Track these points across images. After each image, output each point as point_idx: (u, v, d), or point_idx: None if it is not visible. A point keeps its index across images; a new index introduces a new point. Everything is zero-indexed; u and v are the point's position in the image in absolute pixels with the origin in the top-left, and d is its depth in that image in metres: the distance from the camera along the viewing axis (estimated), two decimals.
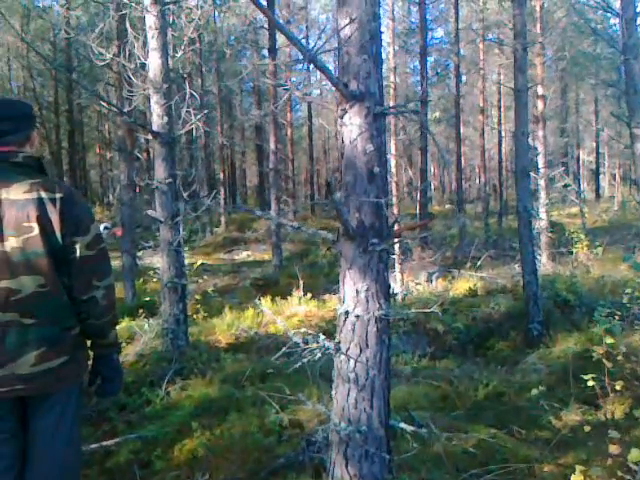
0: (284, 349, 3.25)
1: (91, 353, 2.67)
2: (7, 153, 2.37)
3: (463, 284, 10.31)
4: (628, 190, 34.99)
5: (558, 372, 5.78)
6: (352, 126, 3.14)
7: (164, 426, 4.62)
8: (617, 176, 34.08)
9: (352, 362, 3.25)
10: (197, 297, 8.43)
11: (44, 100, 27.62)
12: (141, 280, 10.24)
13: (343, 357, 3.28)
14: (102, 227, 14.99)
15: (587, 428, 4.11)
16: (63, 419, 2.47)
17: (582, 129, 34.22)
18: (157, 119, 6.15)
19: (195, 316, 8.01)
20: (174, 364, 5.89)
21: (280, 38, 14.47)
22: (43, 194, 2.30)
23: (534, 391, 5.37)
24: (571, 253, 12.27)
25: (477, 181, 42.10)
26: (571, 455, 4.24)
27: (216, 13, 22.39)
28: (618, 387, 4.52)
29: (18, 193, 2.28)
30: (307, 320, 8.39)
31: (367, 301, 3.20)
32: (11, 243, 2.27)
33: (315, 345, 3.33)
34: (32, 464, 2.45)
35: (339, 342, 3.30)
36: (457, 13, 18.91)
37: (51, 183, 2.38)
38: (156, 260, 6.55)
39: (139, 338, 6.73)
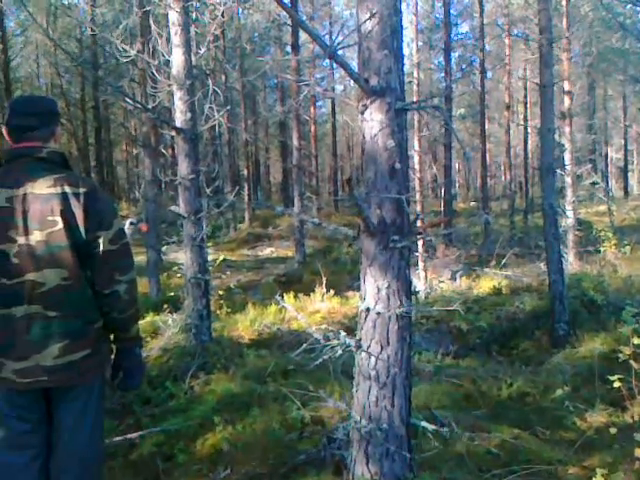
0: (305, 345, 3.24)
1: (114, 347, 2.70)
2: (32, 148, 2.42)
3: (487, 282, 10.20)
4: None
5: (584, 373, 5.68)
6: (373, 122, 3.12)
7: (187, 420, 4.65)
8: None
9: (373, 359, 3.23)
10: (220, 293, 8.47)
11: (71, 97, 28.01)
12: (165, 275, 10.32)
13: (364, 354, 3.27)
14: (128, 223, 15.12)
15: (613, 430, 4.03)
16: (85, 412, 2.50)
17: (610, 126, 33.64)
18: (180, 115, 6.18)
19: (218, 311, 8.06)
20: (197, 359, 5.93)
21: (303, 34, 14.47)
22: (67, 189, 2.34)
23: (559, 391, 5.30)
24: (599, 252, 12.07)
25: (502, 178, 41.70)
26: (596, 457, 4.17)
27: (240, 10, 22.46)
28: None
29: (42, 187, 2.32)
30: (330, 317, 8.38)
31: (388, 298, 3.18)
32: (36, 237, 2.31)
33: (336, 342, 3.32)
34: (55, 455, 2.50)
35: (360, 339, 3.28)
36: (482, 8, 18.72)
37: (75, 178, 2.42)
38: (180, 256, 6.60)
39: (163, 333, 6.78)
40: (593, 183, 17.83)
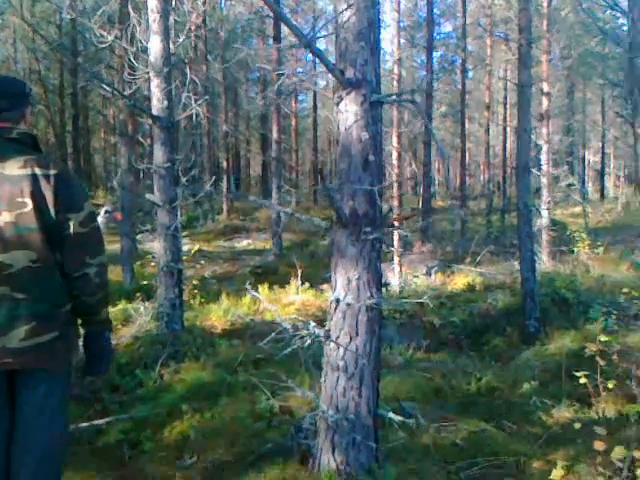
0: (273, 335, 3.25)
1: (81, 332, 2.68)
2: (3, 129, 2.39)
3: (462, 279, 10.29)
4: (633, 191, 34.86)
5: (552, 369, 5.77)
6: (348, 113, 3.13)
7: (155, 408, 4.65)
8: (622, 177, 33.94)
9: (342, 350, 3.25)
10: (195, 282, 8.43)
11: (49, 83, 27.55)
12: (139, 264, 10.22)
13: (333, 345, 3.28)
14: (103, 211, 14.97)
15: (577, 425, 4.10)
16: (50, 396, 2.47)
17: (588, 129, 34.02)
18: (157, 103, 6.14)
19: (192, 301, 8.02)
20: (168, 347, 5.91)
21: (285, 27, 14.37)
22: (37, 170, 2.31)
23: (526, 387, 5.37)
24: (572, 252, 12.23)
25: (481, 178, 41.94)
26: (560, 452, 4.23)
27: (222, 1, 22.31)
28: (610, 385, 4.51)
29: (12, 168, 2.30)
30: (304, 309, 8.39)
31: (358, 289, 3.19)
32: (4, 218, 2.28)
33: (305, 332, 3.33)
34: (17, 440, 2.47)
35: (329, 330, 3.30)
36: (465, 8, 18.81)
37: (45, 160, 2.40)
38: (156, 245, 6.56)
39: (134, 320, 6.75)
40: (569, 185, 18.05)
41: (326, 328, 3.31)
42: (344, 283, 3.21)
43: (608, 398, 5.06)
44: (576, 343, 6.49)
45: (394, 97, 3.33)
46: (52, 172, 2.34)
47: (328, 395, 3.32)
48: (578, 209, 21.66)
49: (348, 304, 3.21)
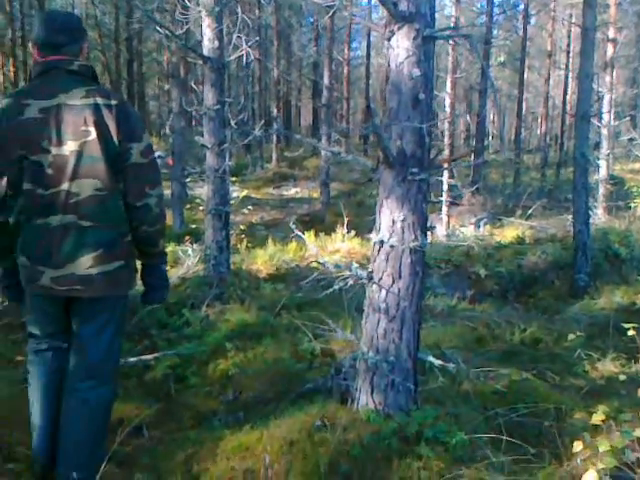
0: (315, 274, 3.25)
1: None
2: (64, 61, 2.44)
3: (511, 232, 10.07)
4: None
5: (600, 323, 5.64)
6: (399, 49, 3.02)
7: (200, 345, 4.76)
8: None
9: (384, 292, 3.23)
10: (242, 228, 8.52)
11: (105, 28, 27.75)
12: (189, 209, 10.38)
13: (375, 287, 3.26)
14: (156, 156, 15.23)
15: (622, 377, 4.02)
16: (107, 327, 2.57)
17: None
18: (208, 43, 6.08)
19: (238, 246, 8.13)
20: (214, 289, 6.02)
21: None
22: (99, 100, 2.37)
23: (571, 336, 5.28)
24: (629, 208, 11.80)
25: (538, 131, 40.61)
26: (603, 403, 4.16)
27: None
28: None
29: (76, 99, 2.36)
30: (349, 256, 8.40)
31: (403, 231, 3.15)
32: (69, 147, 2.35)
33: (348, 273, 3.32)
34: (70, 364, 2.58)
35: (372, 271, 3.28)
36: None
37: (106, 91, 2.47)
38: (204, 189, 6.64)
39: (183, 263, 6.89)
40: (631, 139, 17.27)
41: (369, 270, 3.30)
42: (389, 224, 3.17)
43: None
44: (627, 298, 6.32)
45: (448, 32, 3.20)
46: (113, 102, 2.39)
47: (369, 337, 3.32)
48: (638, 165, 20.80)
49: (392, 246, 3.17)
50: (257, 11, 19.65)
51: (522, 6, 20.41)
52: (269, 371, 4.27)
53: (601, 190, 12.10)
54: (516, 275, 7.34)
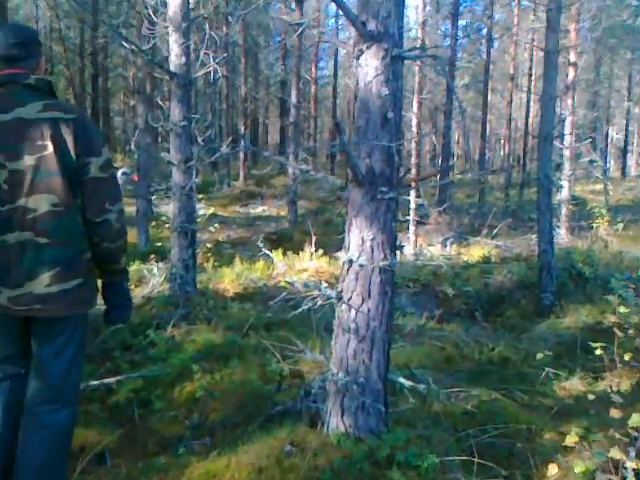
0: (284, 294, 3.19)
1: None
2: (20, 74, 2.38)
3: (477, 251, 10.17)
4: None
5: (567, 342, 5.69)
6: (368, 68, 3.02)
7: (166, 367, 4.64)
8: None
9: (353, 312, 3.19)
10: (208, 246, 8.39)
11: (70, 42, 27.39)
12: (155, 226, 10.18)
13: (344, 306, 3.22)
14: (120, 172, 14.96)
15: (591, 397, 4.04)
16: (67, 347, 2.48)
17: (613, 105, 33.32)
18: (175, 59, 6.03)
19: (205, 264, 8.00)
20: (180, 309, 5.90)
21: None
22: (57, 114, 2.32)
23: (539, 355, 5.30)
24: (591, 228, 12.03)
25: (501, 152, 41.42)
26: (572, 423, 4.17)
27: None
28: (627, 357, 4.42)
29: (32, 112, 2.30)
30: (317, 275, 8.34)
31: (372, 250, 3.12)
32: (26, 161, 2.28)
33: (317, 293, 3.28)
34: (31, 386, 2.47)
35: (341, 291, 3.24)
36: None
37: (64, 105, 2.43)
38: (170, 206, 6.54)
39: (148, 281, 6.75)
40: (591, 161, 17.73)
41: (338, 289, 3.25)
42: (358, 243, 3.14)
43: (623, 372, 4.99)
44: (592, 317, 6.40)
45: (416, 52, 3.21)
46: (71, 116, 2.34)
47: (338, 358, 3.27)
48: (599, 186, 21.32)
49: (361, 265, 3.14)
50: (224, 28, 19.65)
51: (485, 30, 20.88)
52: (237, 393, 4.18)
53: (564, 210, 12.32)
54: (483, 294, 7.38)
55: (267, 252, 3.46)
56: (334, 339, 3.34)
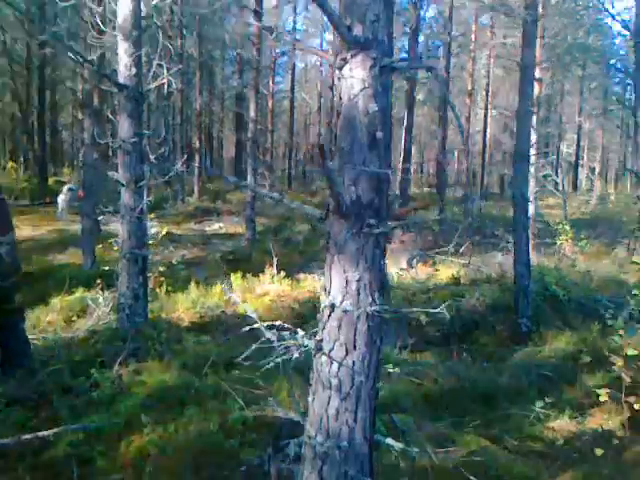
0: (255, 346, 2.70)
1: None
2: None
3: (446, 270, 9.84)
4: (610, 184, 35.20)
5: (549, 374, 5.33)
6: (353, 80, 2.56)
7: (111, 416, 4.09)
8: (597, 169, 34.10)
9: (335, 365, 2.71)
10: (161, 269, 7.76)
11: (16, 55, 26.22)
12: (102, 247, 9.46)
13: (325, 358, 2.74)
14: (66, 188, 14.18)
15: (584, 437, 3.71)
16: None
17: (565, 120, 34.01)
18: (124, 70, 5.49)
19: (158, 289, 7.37)
20: (129, 343, 5.33)
21: (267, 1, 13.65)
22: None
23: (524, 392, 4.97)
24: (554, 244, 11.91)
25: (456, 166, 41.80)
26: (568, 472, 3.82)
27: None
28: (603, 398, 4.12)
29: None
30: (279, 300, 7.83)
31: (358, 294, 2.65)
32: None
33: (292, 342, 2.78)
34: None
35: (321, 340, 2.75)
36: None
37: None
38: (120, 231, 5.95)
39: (92, 312, 6.13)
40: (545, 176, 17.80)
41: (317, 338, 2.77)
42: (341, 285, 2.67)
43: (611, 407, 4.64)
44: (572, 346, 6.09)
45: (409, 62, 2.77)
46: None
47: (317, 418, 2.78)
48: (552, 200, 21.51)
49: (345, 311, 2.66)
50: (179, 40, 19.04)
51: (443, 46, 20.88)
52: (193, 449, 3.66)
53: (530, 228, 12.12)
54: (456, 320, 6.97)
55: (235, 298, 2.96)
56: (312, 395, 2.85)
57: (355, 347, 2.69)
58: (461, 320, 7.00)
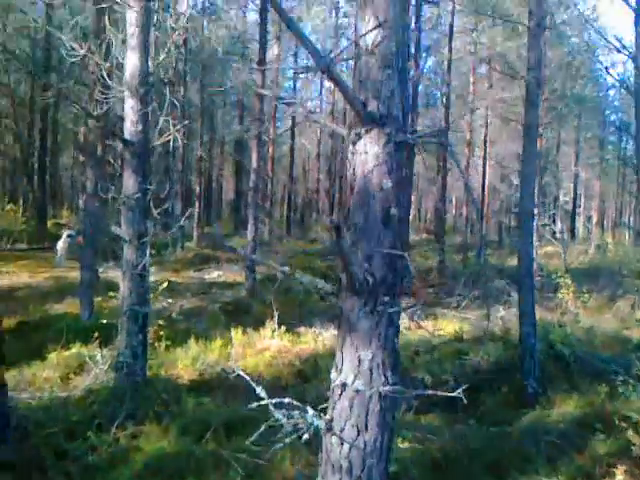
0: (263, 427, 2.58)
1: None
2: None
3: (448, 325, 9.70)
4: (607, 233, 35.30)
5: (559, 441, 5.16)
6: (367, 155, 2.54)
7: None
8: (594, 218, 34.27)
9: (346, 447, 2.61)
10: (160, 322, 7.60)
11: (19, 96, 26.48)
12: (100, 298, 9.30)
13: (335, 439, 2.64)
14: (65, 235, 14.07)
15: None
16: None
17: (561, 169, 34.33)
18: (130, 126, 5.50)
19: (157, 344, 7.19)
20: (127, 404, 5.18)
21: (269, 51, 13.88)
22: None
23: (533, 460, 4.82)
24: (556, 297, 11.83)
25: (454, 211, 41.87)
26: None
27: (205, 23, 21.75)
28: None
29: None
30: (280, 356, 7.68)
31: (370, 373, 2.58)
32: None
33: (301, 421, 2.68)
34: None
35: (331, 420, 2.66)
36: (451, 44, 18.62)
37: None
38: (120, 280, 5.84)
39: (89, 370, 5.98)
40: (543, 225, 17.80)
41: (327, 417, 2.67)
42: (353, 364, 2.59)
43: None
44: (580, 410, 5.94)
45: (423, 137, 2.75)
46: None
47: None
48: (551, 248, 21.46)
49: (357, 390, 2.58)
50: (182, 89, 19.27)
51: (440, 96, 21.18)
52: None
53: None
54: (461, 380, 6.80)
55: (242, 374, 2.87)
56: (320, 477, 2.73)
57: (367, 428, 2.60)
58: (466, 380, 6.84)
